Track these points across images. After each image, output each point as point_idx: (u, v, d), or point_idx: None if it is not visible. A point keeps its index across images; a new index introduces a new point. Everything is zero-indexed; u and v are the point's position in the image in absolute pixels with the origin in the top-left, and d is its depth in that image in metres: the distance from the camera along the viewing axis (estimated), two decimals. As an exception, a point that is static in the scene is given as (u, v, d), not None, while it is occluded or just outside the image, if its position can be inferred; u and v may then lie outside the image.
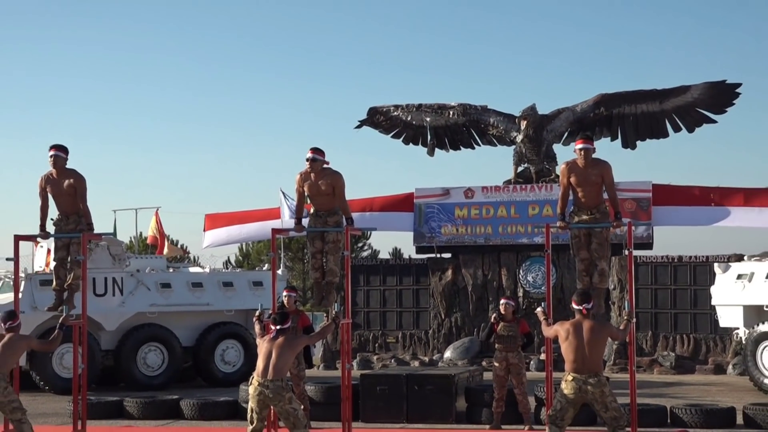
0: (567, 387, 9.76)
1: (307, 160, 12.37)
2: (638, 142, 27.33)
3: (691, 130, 27.00)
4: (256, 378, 10.11)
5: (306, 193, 12.73)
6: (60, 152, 12.25)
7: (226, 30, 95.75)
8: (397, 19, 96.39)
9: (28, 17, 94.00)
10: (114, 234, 22.52)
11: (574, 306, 10.31)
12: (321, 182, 12.44)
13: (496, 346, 14.32)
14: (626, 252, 12.60)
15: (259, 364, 10.18)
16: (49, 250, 21.35)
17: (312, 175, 12.43)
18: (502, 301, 14.91)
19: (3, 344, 11.33)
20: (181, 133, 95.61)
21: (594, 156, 11.74)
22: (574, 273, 25.39)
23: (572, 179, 11.88)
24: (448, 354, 25.25)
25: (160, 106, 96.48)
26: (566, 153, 27.67)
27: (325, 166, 12.49)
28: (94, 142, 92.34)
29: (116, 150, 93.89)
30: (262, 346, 10.36)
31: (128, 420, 15.42)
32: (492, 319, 14.64)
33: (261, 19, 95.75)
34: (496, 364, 14.28)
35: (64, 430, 12.51)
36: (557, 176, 26.68)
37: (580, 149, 11.79)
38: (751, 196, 25.24)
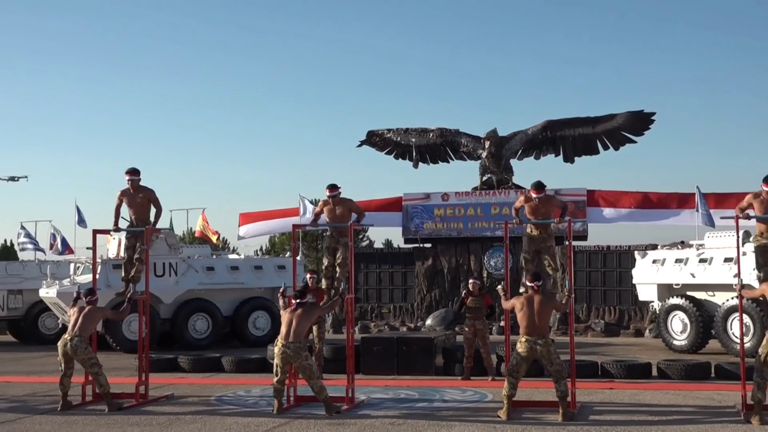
0: (521, 347, 10.08)
1: (329, 197, 13.59)
2: (576, 158, 27.45)
3: (616, 148, 27.14)
4: (280, 341, 10.41)
5: (326, 217, 13.78)
6: (134, 176, 12.58)
7: (256, 59, 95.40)
8: (393, 59, 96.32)
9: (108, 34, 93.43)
10: (171, 229, 22.59)
11: (528, 283, 10.74)
12: (338, 209, 13.52)
13: (466, 315, 14.71)
14: (567, 243, 12.86)
15: (283, 329, 10.50)
16: (119, 241, 21.51)
17: (332, 203, 13.54)
18: (471, 280, 15.33)
19: (84, 314, 11.54)
20: (221, 149, 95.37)
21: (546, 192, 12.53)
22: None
23: (526, 207, 12.53)
24: (429, 321, 25.35)
25: (205, 129, 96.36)
26: (521, 166, 28.02)
27: (341, 196, 13.63)
28: (157, 155, 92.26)
29: (172, 160, 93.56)
30: (285, 316, 10.64)
31: (181, 373, 15.63)
32: (463, 295, 14.99)
33: (295, 47, 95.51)
34: (466, 329, 14.72)
35: (131, 381, 12.56)
36: (514, 184, 27.07)
37: (534, 198, 12.35)
38: (663, 199, 25.47)
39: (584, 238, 26.00)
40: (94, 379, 11.61)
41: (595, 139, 27.14)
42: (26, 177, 31.14)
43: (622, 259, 24.55)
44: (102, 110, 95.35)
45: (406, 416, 10.44)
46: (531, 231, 12.66)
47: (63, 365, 11.33)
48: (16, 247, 28.13)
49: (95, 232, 14.08)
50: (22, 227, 26.95)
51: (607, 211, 26.04)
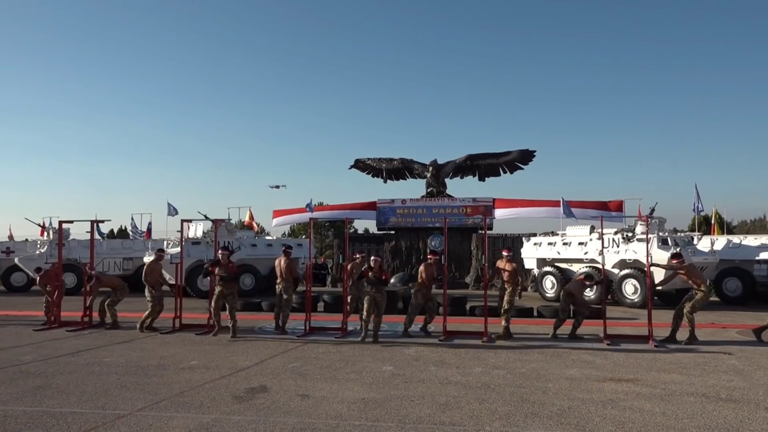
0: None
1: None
2: (486, 178, 27.94)
3: (512, 172, 27.59)
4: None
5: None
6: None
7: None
8: (374, 106, 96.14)
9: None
10: (229, 219, 22.45)
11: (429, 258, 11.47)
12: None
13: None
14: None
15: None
16: (197, 227, 21.46)
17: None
18: (429, 257, 12.57)
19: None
20: (260, 166, 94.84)
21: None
22: (456, 241, 25.61)
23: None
24: (392, 280, 25.40)
25: (254, 149, 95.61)
26: (453, 183, 28.31)
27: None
28: (223, 168, 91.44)
29: (234, 174, 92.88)
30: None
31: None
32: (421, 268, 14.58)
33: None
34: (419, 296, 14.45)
35: (203, 317, 12.49)
36: (446, 194, 27.33)
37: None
38: (539, 204, 25.81)
39: (490, 228, 26.32)
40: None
41: (498, 166, 27.76)
42: (285, 185, 30.51)
43: (516, 242, 24.81)
44: (193, 126, 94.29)
45: (382, 339, 10.49)
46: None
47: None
48: (129, 230, 27.87)
49: (183, 221, 14.01)
50: (132, 218, 26.80)
51: (505, 212, 26.41)
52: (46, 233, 24.34)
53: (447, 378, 7.29)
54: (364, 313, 10.54)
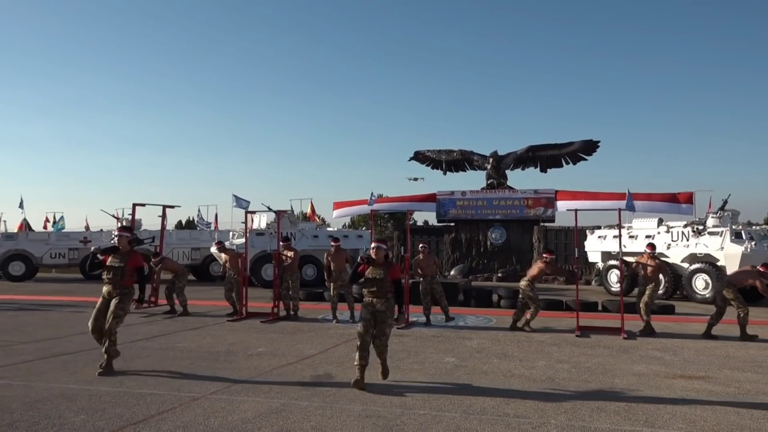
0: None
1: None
2: (548, 170, 27.50)
3: (575, 163, 27.06)
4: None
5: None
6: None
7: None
8: (437, 99, 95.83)
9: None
10: (291, 211, 22.93)
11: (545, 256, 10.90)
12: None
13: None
14: (543, 224, 12.78)
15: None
16: (260, 219, 22.00)
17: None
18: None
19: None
20: (322, 161, 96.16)
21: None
22: (517, 233, 25.35)
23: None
24: (452, 272, 25.39)
25: (317, 145, 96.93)
26: (514, 175, 27.94)
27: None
28: (290, 162, 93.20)
29: (297, 167, 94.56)
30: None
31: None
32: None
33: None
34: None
35: (268, 305, 12.76)
36: (507, 186, 27.05)
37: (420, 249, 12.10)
38: (604, 196, 25.19)
39: (552, 220, 25.89)
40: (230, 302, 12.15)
41: (560, 157, 27.29)
42: (423, 178, 30.87)
43: (580, 234, 24.36)
44: (269, 130, 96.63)
45: (442, 332, 10.55)
46: None
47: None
48: (196, 221, 28.85)
49: (246, 212, 14.42)
50: (198, 210, 27.73)
51: (567, 203, 25.95)
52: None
53: (510, 370, 7.27)
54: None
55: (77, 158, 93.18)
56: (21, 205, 27.51)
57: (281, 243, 12.31)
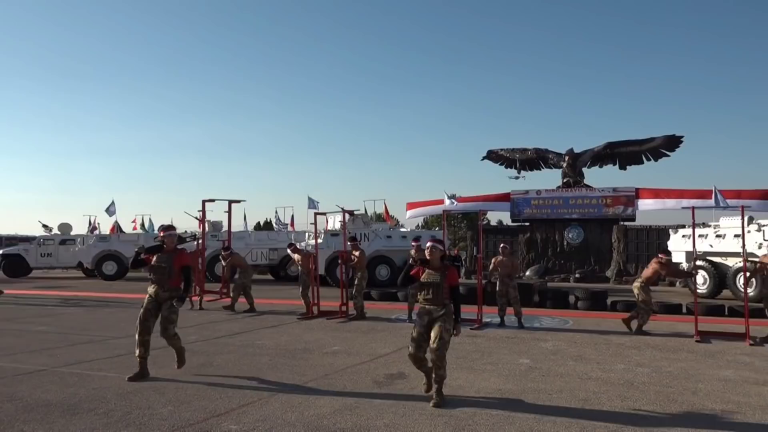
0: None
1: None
2: (627, 167, 26.62)
3: (656, 160, 26.04)
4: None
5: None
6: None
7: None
8: (509, 101, 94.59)
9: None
10: (365, 212, 23.23)
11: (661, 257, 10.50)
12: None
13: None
14: (623, 223, 12.40)
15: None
16: (335, 220, 22.41)
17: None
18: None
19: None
20: (395, 160, 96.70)
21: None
22: (596, 233, 24.71)
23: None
24: (528, 273, 24.99)
25: (393, 144, 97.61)
26: (591, 173, 27.20)
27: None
28: (361, 164, 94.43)
29: (370, 169, 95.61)
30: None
31: (371, 300, 15.69)
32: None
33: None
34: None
35: (335, 304, 12.94)
36: (584, 184, 26.34)
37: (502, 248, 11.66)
38: (689, 193, 24.13)
39: (633, 219, 25.00)
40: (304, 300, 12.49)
41: (641, 154, 26.36)
42: (524, 176, 29.54)
43: (661, 234, 23.42)
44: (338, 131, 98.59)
45: (516, 333, 10.44)
46: None
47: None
48: (273, 223, 29.71)
49: (316, 214, 14.76)
50: (276, 211, 28.57)
51: (648, 202, 25.04)
52: (202, 225, 26.60)
53: (587, 373, 7.11)
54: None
55: (160, 165, 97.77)
56: (112, 209, 29.11)
57: (348, 243, 12.62)
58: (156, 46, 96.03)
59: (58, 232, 26.97)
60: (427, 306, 5.84)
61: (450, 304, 5.79)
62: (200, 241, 16.01)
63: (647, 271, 10.51)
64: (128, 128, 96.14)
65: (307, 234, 23.27)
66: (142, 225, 29.27)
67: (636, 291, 10.43)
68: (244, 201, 16.15)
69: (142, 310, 6.79)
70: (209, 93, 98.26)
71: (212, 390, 6.15)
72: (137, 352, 6.66)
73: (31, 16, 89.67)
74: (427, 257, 5.96)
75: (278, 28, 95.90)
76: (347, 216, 22.12)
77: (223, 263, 14.54)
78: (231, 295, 13.82)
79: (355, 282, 12.32)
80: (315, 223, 14.64)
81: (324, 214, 16.30)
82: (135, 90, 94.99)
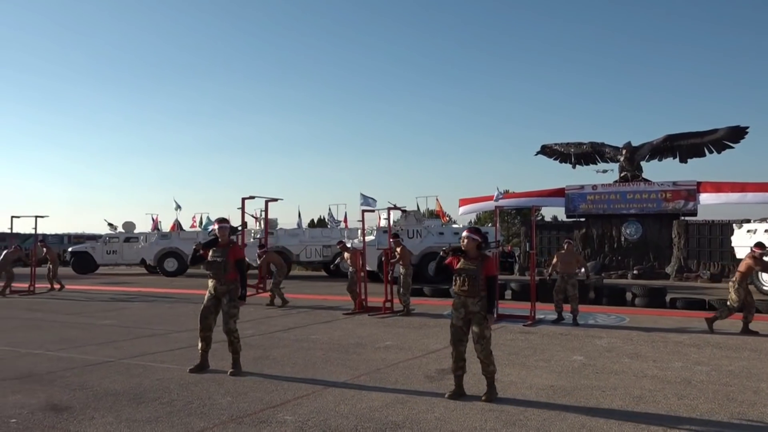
0: None
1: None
2: (688, 160, 25.71)
3: (719, 152, 25.02)
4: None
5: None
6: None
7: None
8: (559, 95, 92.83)
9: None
10: (417, 209, 23.29)
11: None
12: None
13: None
14: (683, 218, 12.03)
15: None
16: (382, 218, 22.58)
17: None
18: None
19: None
20: (449, 157, 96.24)
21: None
22: (655, 228, 24.09)
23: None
24: (583, 270, 24.52)
25: (447, 140, 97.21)
26: (649, 167, 26.47)
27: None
28: (415, 161, 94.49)
29: (420, 157, 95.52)
30: None
31: (424, 297, 15.72)
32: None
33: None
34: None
35: (394, 301, 12.98)
36: (642, 178, 25.63)
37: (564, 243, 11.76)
38: (748, 187, 23.19)
39: (694, 214, 24.15)
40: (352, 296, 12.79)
41: (702, 146, 25.28)
42: (613, 170, 28.84)
43: (724, 229, 22.56)
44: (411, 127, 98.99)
45: (570, 330, 10.32)
46: None
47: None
48: (327, 220, 30.09)
49: (364, 210, 14.88)
50: (329, 209, 28.95)
51: (710, 196, 24.16)
52: (257, 223, 27.21)
53: (642, 371, 6.99)
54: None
55: (217, 162, 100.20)
56: (177, 207, 30.08)
57: (391, 240, 12.79)
58: (205, 45, 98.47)
59: (123, 231, 28.12)
60: (462, 297, 5.71)
61: (485, 297, 5.66)
62: (240, 236, 16.59)
63: (741, 267, 9.89)
64: (187, 125, 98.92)
65: (359, 231, 23.49)
66: (201, 222, 30.14)
67: (731, 290, 9.87)
68: (281, 199, 16.53)
69: (202, 307, 6.94)
70: (259, 89, 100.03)
71: (268, 382, 6.35)
72: (199, 345, 6.91)
73: (103, 15, 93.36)
74: (463, 247, 5.74)
75: (325, 22, 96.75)
76: (400, 213, 22.32)
77: (258, 261, 15.22)
78: (271, 292, 14.13)
79: (400, 279, 12.42)
80: (363, 220, 14.84)
81: (373, 210, 16.45)
82: (194, 88, 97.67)
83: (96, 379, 6.49)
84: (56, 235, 39.38)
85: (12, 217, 18.09)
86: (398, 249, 12.56)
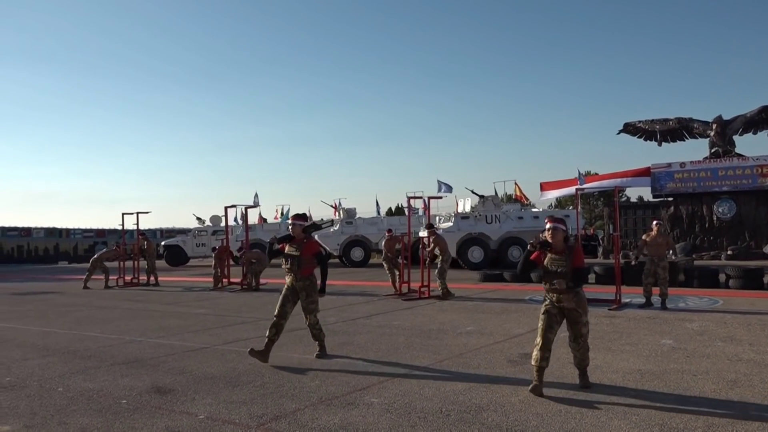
0: None
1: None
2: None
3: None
4: None
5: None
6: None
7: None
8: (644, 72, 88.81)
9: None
10: (495, 194, 23.08)
11: None
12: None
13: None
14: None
15: None
16: (465, 203, 22.46)
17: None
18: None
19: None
20: (529, 142, 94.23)
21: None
22: (750, 206, 22.84)
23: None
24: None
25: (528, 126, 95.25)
26: (742, 141, 24.95)
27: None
28: (496, 148, 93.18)
29: (496, 141, 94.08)
30: None
31: (504, 282, 15.71)
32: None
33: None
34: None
35: (471, 286, 13.05)
36: (736, 153, 24.26)
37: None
38: None
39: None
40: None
41: (805, 117, 23.71)
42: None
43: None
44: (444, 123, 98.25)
45: (659, 313, 10.01)
46: None
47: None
48: (404, 208, 30.28)
49: (409, 198, 14.88)
50: (407, 196, 29.17)
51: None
52: (337, 213, 27.79)
53: (737, 355, 6.72)
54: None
55: (298, 154, 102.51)
56: (256, 201, 31.18)
57: (426, 229, 13.14)
58: (276, 46, 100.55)
59: (210, 224, 29.43)
60: (555, 297, 5.40)
61: (581, 291, 5.40)
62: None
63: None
64: (273, 119, 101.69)
65: (438, 218, 23.53)
66: (282, 214, 31.08)
67: None
68: (344, 198, 17.27)
69: (280, 297, 7.03)
70: (335, 84, 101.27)
71: (354, 366, 6.57)
72: (267, 333, 6.82)
73: (187, 23, 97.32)
74: (549, 239, 5.38)
75: (402, 13, 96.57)
76: (477, 199, 22.19)
77: (242, 259, 16.50)
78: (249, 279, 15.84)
79: (438, 265, 12.78)
80: (409, 207, 15.03)
81: (438, 198, 16.69)
82: (268, 88, 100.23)
83: (195, 364, 6.93)
84: (149, 230, 41.70)
85: (123, 214, 19.54)
86: (431, 238, 12.76)
